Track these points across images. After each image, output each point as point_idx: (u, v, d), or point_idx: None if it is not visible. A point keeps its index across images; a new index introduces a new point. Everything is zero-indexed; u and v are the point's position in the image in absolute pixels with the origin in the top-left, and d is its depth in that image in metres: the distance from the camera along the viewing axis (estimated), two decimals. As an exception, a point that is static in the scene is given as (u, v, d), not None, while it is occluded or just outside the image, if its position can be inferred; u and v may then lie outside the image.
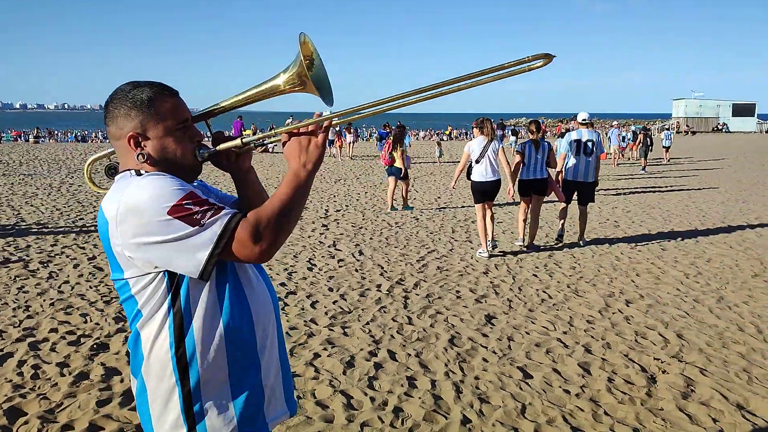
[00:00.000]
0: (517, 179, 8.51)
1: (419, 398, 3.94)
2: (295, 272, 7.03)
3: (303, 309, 5.69)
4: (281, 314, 5.47)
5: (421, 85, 1.75)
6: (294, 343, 4.85)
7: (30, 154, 26.12)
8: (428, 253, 8.13)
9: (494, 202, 8.72)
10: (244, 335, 1.70)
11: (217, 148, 1.81)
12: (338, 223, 10.42)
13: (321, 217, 10.94)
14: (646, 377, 4.28)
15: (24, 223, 9.90)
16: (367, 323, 5.32)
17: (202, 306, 1.63)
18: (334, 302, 5.90)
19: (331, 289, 6.34)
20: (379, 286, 6.49)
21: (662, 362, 4.53)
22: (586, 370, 4.41)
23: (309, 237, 9.09)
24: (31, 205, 11.82)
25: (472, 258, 7.85)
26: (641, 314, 5.64)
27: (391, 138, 12.16)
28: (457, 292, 6.32)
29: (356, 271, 7.12)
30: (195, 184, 1.80)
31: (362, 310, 5.69)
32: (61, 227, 9.59)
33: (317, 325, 5.28)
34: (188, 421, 1.64)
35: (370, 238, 9.05)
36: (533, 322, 5.41)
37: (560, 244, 8.74)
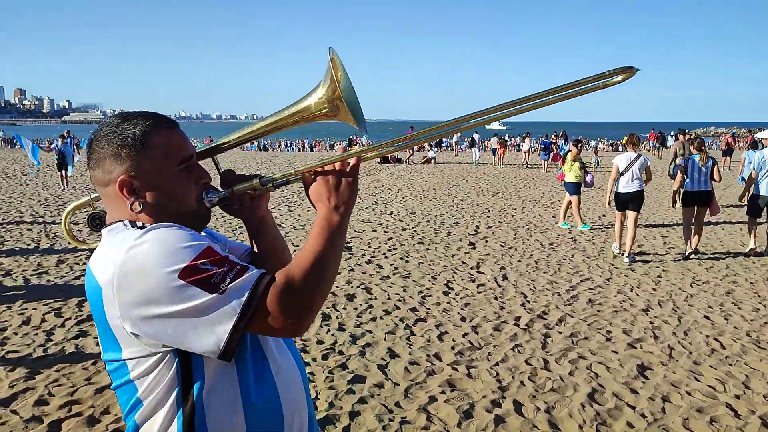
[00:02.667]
0: (682, 191, 8.86)
1: (541, 469, 3.34)
2: (430, 296, 6.60)
3: (429, 341, 5.25)
4: (405, 345, 5.08)
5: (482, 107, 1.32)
6: (411, 381, 4.42)
7: (211, 162, 28.16)
8: (581, 281, 7.33)
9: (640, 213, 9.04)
10: (271, 427, 1.36)
11: (234, 189, 1.47)
12: (487, 241, 9.84)
13: (470, 234, 10.43)
14: None
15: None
16: (497, 364, 4.75)
17: (220, 393, 1.30)
18: (464, 335, 5.39)
19: (464, 319, 5.84)
20: (517, 318, 5.87)
21: None
22: (763, 453, 3.53)
23: (453, 256, 8.63)
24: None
25: (632, 290, 6.94)
26: None
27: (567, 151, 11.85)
28: (608, 332, 5.52)
29: (495, 299, 6.54)
30: (203, 234, 1.46)
31: (494, 347, 5.13)
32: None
33: (441, 361, 4.81)
34: None
35: (518, 261, 8.38)
36: (698, 379, 4.52)
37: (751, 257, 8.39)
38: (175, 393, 1.28)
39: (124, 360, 1.28)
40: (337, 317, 5.80)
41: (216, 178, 1.52)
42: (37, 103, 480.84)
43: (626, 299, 6.59)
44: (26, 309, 5.93)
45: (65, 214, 1.75)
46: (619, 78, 1.22)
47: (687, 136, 16.52)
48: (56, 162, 17.35)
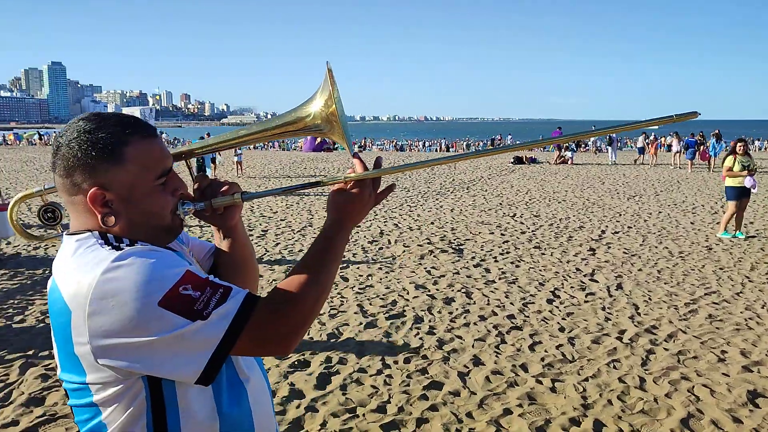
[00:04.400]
0: None
1: (607, 497, 3.10)
2: (533, 303, 6.35)
3: (519, 350, 5.05)
4: (493, 353, 4.94)
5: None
6: (490, 391, 4.28)
7: (349, 162, 29.03)
8: (705, 294, 6.71)
9: None
10: None
11: (213, 203, 1.42)
12: (609, 247, 9.30)
13: (593, 239, 9.91)
14: None
15: (311, 228, 10.83)
16: (586, 379, 4.48)
17: (195, 418, 1.25)
18: (558, 346, 5.13)
19: (562, 329, 5.55)
20: (621, 332, 5.49)
21: None
22: None
23: (568, 262, 8.24)
24: (310, 212, 12.93)
25: (763, 307, 6.25)
26: None
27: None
28: (723, 352, 5.01)
29: (602, 309, 6.16)
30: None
31: (588, 360, 4.83)
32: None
33: (526, 372, 4.61)
34: None
35: (639, 270, 7.84)
36: (819, 412, 3.98)
37: None
38: (143, 419, 1.22)
39: (86, 384, 1.20)
40: (430, 321, 5.74)
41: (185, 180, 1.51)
42: (199, 106, 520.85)
43: (754, 316, 5.94)
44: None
45: (11, 205, 1.63)
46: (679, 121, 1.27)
47: None
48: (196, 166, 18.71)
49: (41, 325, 5.65)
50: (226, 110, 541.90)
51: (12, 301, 6.38)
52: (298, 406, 4.04)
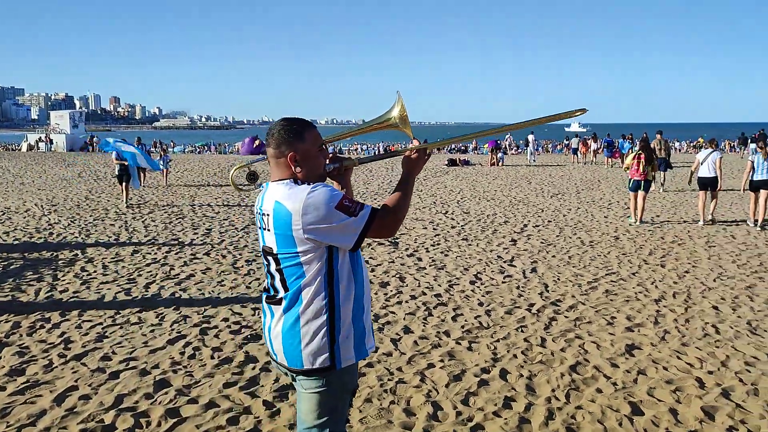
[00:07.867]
0: (748, 179, 11.65)
1: (505, 420, 3.92)
2: (457, 284, 7.21)
3: (443, 320, 5.87)
4: (421, 323, 5.73)
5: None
6: (417, 351, 5.07)
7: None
8: (606, 275, 7.73)
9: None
10: (362, 290, 2.39)
11: (344, 163, 2.59)
12: (529, 238, 10.30)
13: (515, 232, 10.90)
14: (780, 433, 3.72)
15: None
16: (497, 341, 5.33)
17: (345, 270, 2.32)
18: (476, 317, 5.98)
19: (481, 304, 6.41)
20: (531, 305, 6.39)
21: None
22: (710, 415, 3.96)
23: (491, 251, 9.17)
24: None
25: (653, 284, 7.29)
26: (824, 362, 4.82)
27: (643, 154, 12.08)
28: (612, 318, 5.97)
29: (517, 288, 7.07)
30: None
31: (500, 327, 5.70)
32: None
33: (448, 337, 5.43)
34: (331, 348, 2.30)
35: (553, 256, 8.83)
36: (679, 357, 4.94)
37: None
38: (324, 268, 2.27)
39: (298, 252, 2.25)
40: (367, 300, 6.49)
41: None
42: (129, 110, 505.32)
43: (643, 290, 6.97)
44: (101, 289, 6.95)
45: (232, 171, 2.71)
46: (579, 113, 2.52)
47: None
48: (117, 173, 14.71)
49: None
50: (158, 113, 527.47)
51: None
52: (253, 368, 4.72)
